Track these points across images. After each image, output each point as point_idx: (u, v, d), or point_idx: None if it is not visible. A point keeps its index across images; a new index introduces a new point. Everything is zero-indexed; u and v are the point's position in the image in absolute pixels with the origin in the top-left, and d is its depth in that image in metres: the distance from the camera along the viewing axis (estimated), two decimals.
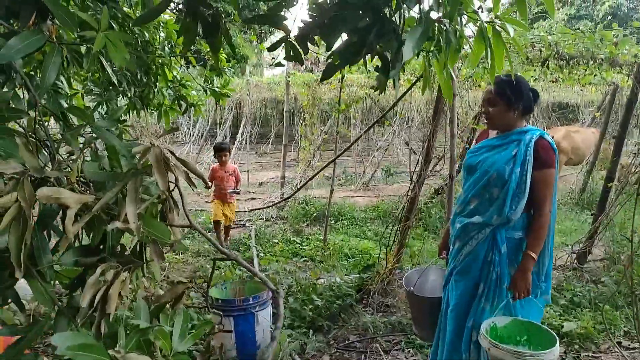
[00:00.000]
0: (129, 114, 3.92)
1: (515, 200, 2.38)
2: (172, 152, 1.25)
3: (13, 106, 1.29)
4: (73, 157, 1.22)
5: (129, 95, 3.50)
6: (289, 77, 8.57)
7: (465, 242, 2.56)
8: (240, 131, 12.50)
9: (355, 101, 5.89)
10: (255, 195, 9.92)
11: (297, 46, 1.86)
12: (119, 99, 3.59)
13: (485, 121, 2.57)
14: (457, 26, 1.39)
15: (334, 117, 9.55)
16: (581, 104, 15.24)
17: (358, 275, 4.78)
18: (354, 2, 1.47)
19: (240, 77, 14.13)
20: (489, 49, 1.48)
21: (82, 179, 1.23)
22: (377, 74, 1.77)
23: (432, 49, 1.59)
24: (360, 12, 1.51)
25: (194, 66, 4.37)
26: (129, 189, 1.14)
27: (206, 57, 4.11)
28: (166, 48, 3.63)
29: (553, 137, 2.48)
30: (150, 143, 1.18)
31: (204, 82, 4.20)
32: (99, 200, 1.16)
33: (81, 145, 1.29)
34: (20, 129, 1.23)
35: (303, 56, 1.89)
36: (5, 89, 1.22)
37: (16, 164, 1.12)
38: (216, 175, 6.20)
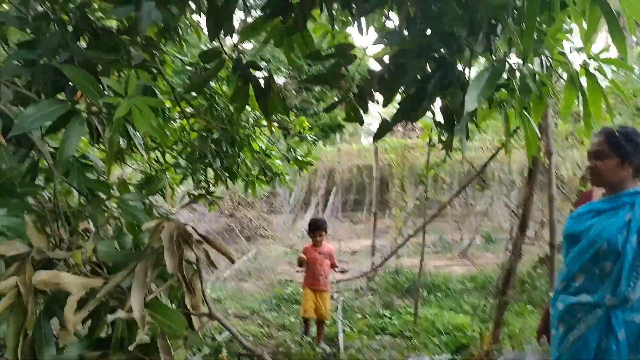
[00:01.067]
0: (217, 185, 3.99)
1: (633, 276, 1.95)
2: (193, 228, 1.08)
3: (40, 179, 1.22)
4: (89, 235, 1.10)
5: (214, 167, 3.58)
6: (376, 142, 8.47)
7: (571, 326, 2.11)
8: (330, 199, 12.52)
9: (442, 160, 5.52)
10: (346, 265, 9.65)
11: (357, 105, 1.70)
12: (207, 170, 3.67)
13: (590, 177, 2.18)
14: (532, 66, 1.13)
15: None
16: None
17: (451, 356, 4.28)
18: (411, 49, 1.27)
19: (333, 146, 14.38)
20: (580, 97, 1.19)
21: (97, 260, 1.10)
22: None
23: (508, 98, 1.33)
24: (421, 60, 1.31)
25: (284, 136, 4.39)
26: (137, 273, 0.98)
27: (288, 126, 4.13)
28: (250, 119, 3.69)
29: None
30: (166, 217, 1.03)
31: (287, 151, 4.19)
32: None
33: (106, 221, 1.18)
34: (40, 205, 1.14)
35: (363, 116, 1.72)
36: (24, 162, 1.14)
37: (20, 245, 1.01)
38: (309, 257, 5.17)
